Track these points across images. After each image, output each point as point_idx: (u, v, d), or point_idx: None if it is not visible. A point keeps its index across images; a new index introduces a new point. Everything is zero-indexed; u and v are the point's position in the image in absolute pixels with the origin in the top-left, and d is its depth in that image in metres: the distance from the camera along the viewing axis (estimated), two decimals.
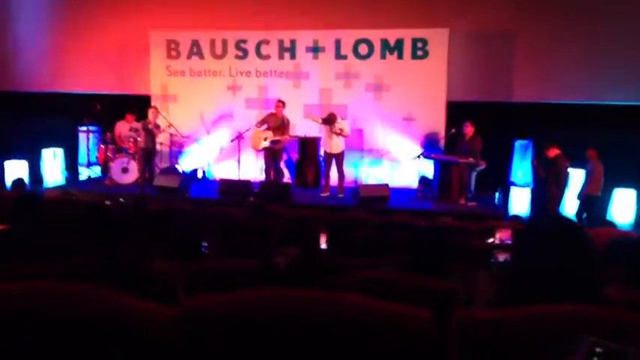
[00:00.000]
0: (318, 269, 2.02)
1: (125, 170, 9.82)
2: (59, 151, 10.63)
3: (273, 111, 9.27)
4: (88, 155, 10.60)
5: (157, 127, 9.47)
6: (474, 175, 8.88)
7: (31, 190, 8.58)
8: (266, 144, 9.21)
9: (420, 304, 1.37)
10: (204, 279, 2.27)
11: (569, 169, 8.46)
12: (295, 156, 10.11)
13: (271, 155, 9.28)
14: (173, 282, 2.35)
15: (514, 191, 9.13)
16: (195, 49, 10.53)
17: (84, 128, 10.64)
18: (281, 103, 9.26)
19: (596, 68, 9.41)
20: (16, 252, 2.73)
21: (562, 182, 8.38)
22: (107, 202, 5.35)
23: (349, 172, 9.43)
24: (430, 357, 1.17)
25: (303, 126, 9.85)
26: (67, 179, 10.55)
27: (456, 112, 9.46)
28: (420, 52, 9.84)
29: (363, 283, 1.91)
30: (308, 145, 9.93)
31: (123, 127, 10.20)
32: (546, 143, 8.56)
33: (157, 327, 1.21)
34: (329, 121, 8.87)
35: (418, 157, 9.09)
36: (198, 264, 2.64)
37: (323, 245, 3.48)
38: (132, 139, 9.77)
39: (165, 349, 1.20)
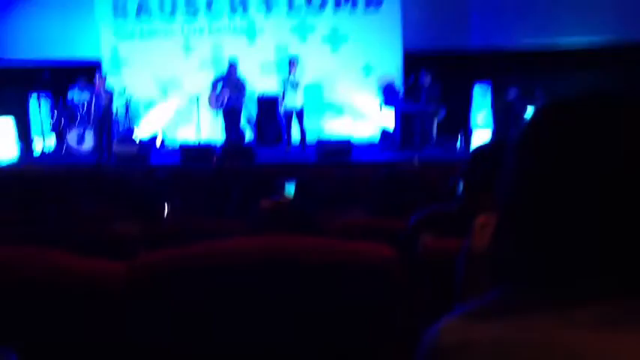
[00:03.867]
0: (300, 218, 2.00)
1: (81, 139, 9.55)
2: (10, 120, 10.12)
3: (230, 70, 9.10)
4: (42, 125, 10.23)
5: (108, 92, 9.14)
6: (434, 122, 8.94)
7: None
8: (221, 106, 9.07)
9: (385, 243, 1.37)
10: (166, 238, 2.24)
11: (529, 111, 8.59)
12: (255, 115, 9.98)
13: (230, 116, 9.15)
14: (135, 243, 2.31)
15: (475, 134, 9.24)
16: (144, 7, 10.14)
17: (34, 98, 10.23)
18: (233, 64, 9.09)
19: (551, 8, 9.44)
20: None
21: (522, 124, 8.50)
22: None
23: (310, 127, 9.37)
24: (394, 291, 1.17)
25: (260, 83, 9.69)
26: (21, 152, 10.19)
27: (414, 61, 9.43)
28: (374, 1, 9.70)
29: (331, 229, 1.91)
30: (267, 103, 9.80)
31: (75, 94, 9.85)
32: (504, 86, 8.64)
33: (106, 282, 1.18)
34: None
35: (380, 107, 9.10)
36: (160, 224, 2.60)
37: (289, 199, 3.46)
38: (85, 107, 9.46)
39: (116, 304, 1.17)
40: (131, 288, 1.17)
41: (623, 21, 9.29)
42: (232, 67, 9.07)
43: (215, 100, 9.11)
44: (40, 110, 10.22)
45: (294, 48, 9.83)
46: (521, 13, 9.56)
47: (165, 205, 3.50)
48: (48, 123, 10.27)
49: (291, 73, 8.78)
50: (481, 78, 9.56)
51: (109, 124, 9.30)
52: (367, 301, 1.18)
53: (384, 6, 9.66)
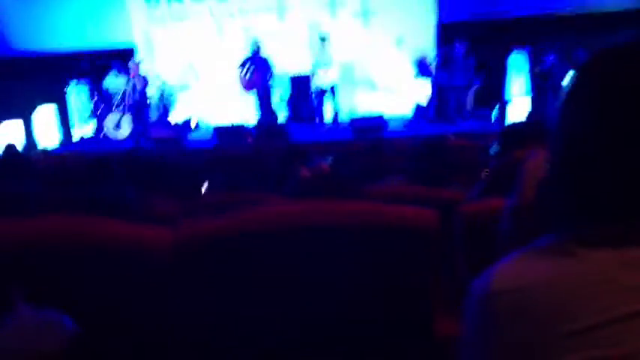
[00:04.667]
0: (340, 184, 1.99)
1: (118, 125, 9.72)
2: (52, 108, 10.41)
3: (253, 50, 9.10)
4: (80, 112, 10.46)
5: (143, 79, 9.26)
6: (469, 94, 8.78)
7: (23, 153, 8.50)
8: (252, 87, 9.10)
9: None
10: (206, 213, 2.25)
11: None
12: (288, 93, 9.97)
13: (261, 96, 9.17)
14: (175, 220, 2.34)
15: (512, 104, 9.03)
16: None
17: (72, 86, 10.45)
18: (259, 42, 9.09)
19: None
20: (11, 209, 2.70)
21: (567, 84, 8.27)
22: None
23: (344, 104, 9.30)
24: (436, 251, 1.15)
25: (291, 62, 9.64)
26: (63, 139, 10.45)
27: (448, 32, 9.25)
28: None
29: (371, 195, 1.89)
30: (299, 81, 9.77)
31: (110, 82, 10.01)
32: (541, 54, 8.40)
33: (153, 250, 1.20)
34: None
35: (416, 77, 9.00)
36: (197, 199, 2.62)
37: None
38: (121, 93, 9.62)
39: (163, 272, 1.19)
40: (178, 253, 1.19)
41: None
42: (256, 48, 9.07)
43: (245, 82, 9.14)
44: (78, 98, 10.43)
45: (325, 24, 9.74)
46: None
47: (204, 183, 3.53)
48: (86, 110, 10.48)
49: (323, 51, 8.72)
50: (517, 45, 9.31)
51: (145, 109, 9.43)
52: (411, 263, 1.16)
53: None
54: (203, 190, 3.36)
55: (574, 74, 0.69)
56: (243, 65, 9.15)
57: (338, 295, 1.16)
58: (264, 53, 9.13)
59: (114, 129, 9.71)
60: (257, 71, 9.05)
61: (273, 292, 1.25)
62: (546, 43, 8.64)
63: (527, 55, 9.26)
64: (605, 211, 0.62)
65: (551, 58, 8.26)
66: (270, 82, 9.22)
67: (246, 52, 9.47)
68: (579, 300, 0.58)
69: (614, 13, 9.04)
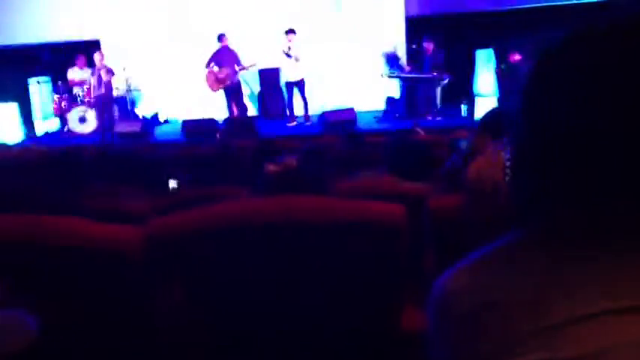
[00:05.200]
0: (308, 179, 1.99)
1: (83, 119, 9.52)
2: (13, 106, 10.16)
3: (221, 45, 9.01)
4: (43, 108, 10.22)
5: (108, 71, 9.05)
6: (438, 89, 8.85)
7: None
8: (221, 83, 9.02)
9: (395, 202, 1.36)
10: (175, 209, 2.22)
11: None
12: (257, 88, 9.91)
13: (231, 91, 9.10)
14: (144, 217, 2.31)
15: (479, 101, 9.16)
16: None
17: (34, 80, 10.19)
18: (224, 37, 8.98)
19: None
20: None
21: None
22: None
23: (314, 98, 9.29)
24: (403, 245, 1.16)
25: (259, 55, 9.57)
26: (26, 135, 10.20)
27: (416, 28, 9.31)
28: None
29: (341, 191, 1.90)
30: (268, 75, 9.72)
31: (74, 74, 9.80)
32: (507, 49, 8.51)
33: (123, 246, 1.18)
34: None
35: (382, 75, 9.02)
36: (168, 197, 2.59)
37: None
38: (85, 86, 9.42)
39: (134, 269, 1.17)
40: (148, 250, 1.17)
41: None
42: (223, 43, 9.00)
43: (213, 79, 9.06)
44: (41, 92, 10.19)
45: (292, 19, 9.69)
46: None
47: (172, 179, 3.49)
48: (49, 106, 10.25)
49: (289, 45, 8.69)
50: (483, 43, 9.42)
51: (111, 103, 9.25)
52: (379, 258, 1.17)
53: None
54: (172, 185, 3.31)
55: (540, 59, 0.66)
56: (209, 62, 9.06)
57: (306, 290, 1.16)
58: (230, 48, 9.05)
59: (79, 124, 9.52)
60: (225, 67, 8.97)
61: (243, 287, 1.25)
62: (512, 40, 8.77)
63: (492, 53, 9.38)
64: (573, 198, 0.62)
65: (516, 56, 8.38)
66: (239, 77, 9.15)
67: (214, 48, 9.37)
68: (534, 303, 0.58)
69: (578, 5, 9.21)
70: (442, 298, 0.64)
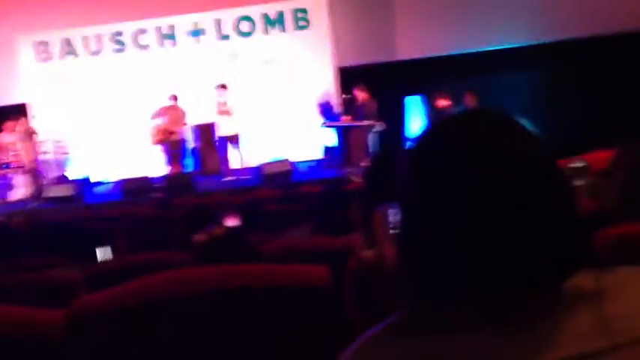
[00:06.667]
0: (235, 246, 2.01)
1: (10, 186, 9.19)
2: None
3: (170, 104, 9.03)
4: None
5: (32, 135, 8.82)
6: (372, 136, 9.09)
7: None
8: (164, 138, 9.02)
9: (321, 262, 1.40)
10: (108, 278, 2.19)
11: None
12: (196, 144, 9.90)
13: (171, 147, 9.08)
14: (76, 288, 2.26)
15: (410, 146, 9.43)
16: (68, 49, 9.94)
17: None
18: (174, 97, 9.09)
19: (472, 16, 9.80)
20: None
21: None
22: None
23: (249, 152, 9.35)
24: (329, 308, 1.20)
25: (198, 114, 9.62)
26: None
27: (349, 77, 9.60)
28: (302, 23, 9.85)
29: (270, 253, 1.93)
30: (203, 131, 9.74)
31: (1, 140, 9.49)
32: (435, 95, 8.89)
33: (44, 331, 1.16)
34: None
35: (322, 125, 9.25)
36: (99, 265, 2.55)
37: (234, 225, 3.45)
38: (13, 153, 9.12)
39: (56, 353, 1.16)
40: (69, 335, 1.16)
41: (539, 24, 9.76)
42: (172, 100, 9.04)
43: (156, 133, 9.03)
44: None
45: (226, 74, 9.80)
46: (446, 23, 9.89)
47: (104, 246, 3.43)
48: None
49: (222, 99, 8.80)
50: (413, 89, 9.81)
51: (39, 167, 9.00)
52: (305, 320, 1.20)
53: (313, 26, 9.81)
54: (104, 254, 3.25)
55: (416, 141, 0.71)
56: (155, 116, 9.05)
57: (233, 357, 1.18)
58: (178, 103, 9.10)
59: (6, 190, 9.18)
60: (170, 122, 8.99)
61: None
62: (439, 86, 9.16)
63: (422, 99, 9.76)
64: (437, 287, 0.64)
65: (443, 101, 8.75)
66: (183, 134, 9.18)
67: (154, 103, 9.34)
68: None
69: (505, 51, 9.76)
70: None
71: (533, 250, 0.61)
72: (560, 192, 0.64)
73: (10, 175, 9.17)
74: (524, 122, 0.68)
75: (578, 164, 3.71)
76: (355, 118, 9.08)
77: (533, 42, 9.72)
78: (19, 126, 8.76)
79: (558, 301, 0.61)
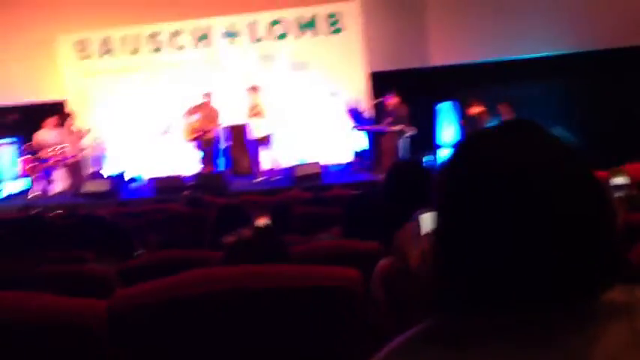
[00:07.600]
0: (266, 248, 2.05)
1: (50, 181, 9.45)
2: None
3: (204, 101, 9.15)
4: (9, 170, 10.11)
5: (76, 132, 9.09)
6: (402, 142, 9.07)
7: None
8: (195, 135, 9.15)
9: (351, 265, 1.43)
10: (137, 274, 2.26)
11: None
12: (227, 144, 10.02)
13: (204, 145, 9.20)
14: (109, 282, 2.32)
15: (441, 152, 9.40)
16: (107, 48, 10.18)
17: (1, 142, 10.12)
18: (208, 94, 9.19)
19: (507, 23, 9.72)
20: None
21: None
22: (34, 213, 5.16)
23: (280, 154, 9.42)
24: (360, 310, 1.22)
25: (230, 115, 9.74)
26: None
27: (381, 83, 9.60)
28: (334, 27, 9.89)
29: (302, 255, 1.96)
30: (235, 132, 9.85)
31: (42, 136, 9.76)
32: (468, 102, 8.85)
33: (86, 320, 1.21)
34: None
35: (352, 128, 9.27)
36: (132, 261, 2.62)
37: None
38: (53, 148, 9.38)
39: (98, 341, 1.20)
40: (112, 324, 1.20)
41: (575, 33, 9.63)
42: (206, 98, 9.16)
43: (190, 131, 9.17)
44: (6, 154, 10.10)
45: (259, 76, 9.91)
46: (480, 30, 9.83)
47: (138, 241, 3.50)
48: (14, 167, 10.15)
49: (255, 101, 8.88)
50: (445, 96, 9.76)
51: (78, 163, 9.23)
52: (334, 322, 1.23)
53: (346, 30, 9.85)
54: (138, 250, 3.33)
55: (453, 150, 0.72)
56: (188, 115, 9.19)
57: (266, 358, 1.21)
58: (212, 103, 9.21)
59: (46, 184, 9.44)
60: (204, 121, 9.11)
61: (208, 357, 1.28)
62: (472, 93, 9.10)
63: (455, 105, 9.71)
64: (479, 296, 0.64)
65: (474, 110, 8.70)
66: (216, 133, 9.29)
67: (188, 102, 9.49)
68: None
69: (539, 60, 9.65)
70: None
71: (568, 263, 0.62)
72: (597, 204, 0.64)
73: (49, 170, 9.43)
74: (561, 132, 0.68)
75: (619, 176, 3.63)
76: (386, 123, 9.07)
77: (569, 51, 9.60)
78: (67, 123, 9.01)
79: (593, 314, 0.62)
